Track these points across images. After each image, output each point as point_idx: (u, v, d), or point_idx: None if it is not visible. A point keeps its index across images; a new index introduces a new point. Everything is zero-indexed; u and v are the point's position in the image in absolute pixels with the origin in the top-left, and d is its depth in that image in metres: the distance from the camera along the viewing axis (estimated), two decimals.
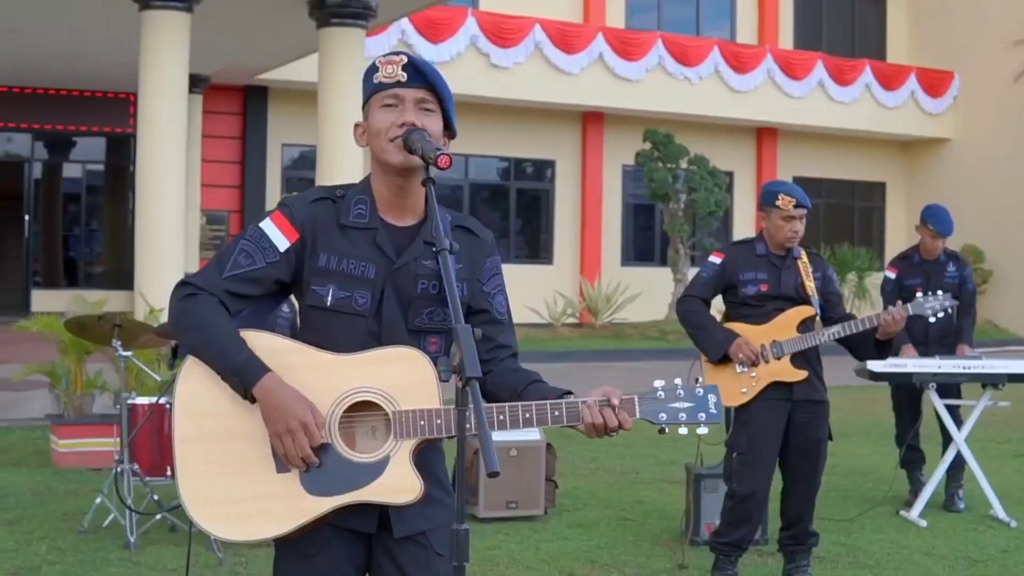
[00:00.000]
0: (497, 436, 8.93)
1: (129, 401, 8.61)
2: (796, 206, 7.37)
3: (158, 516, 8.51)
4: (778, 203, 7.39)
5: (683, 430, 3.66)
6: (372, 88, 3.68)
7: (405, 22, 24.96)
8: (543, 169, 29.58)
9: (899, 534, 9.17)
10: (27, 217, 25.67)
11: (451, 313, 3.35)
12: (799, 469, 7.57)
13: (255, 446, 3.56)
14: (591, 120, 29.13)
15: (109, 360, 12.06)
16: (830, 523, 9.30)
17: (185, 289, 3.62)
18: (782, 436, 7.51)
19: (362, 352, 3.58)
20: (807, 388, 7.47)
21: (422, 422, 3.51)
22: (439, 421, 3.51)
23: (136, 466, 8.52)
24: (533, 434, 9.42)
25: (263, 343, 3.59)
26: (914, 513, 9.68)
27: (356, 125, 3.75)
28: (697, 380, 3.76)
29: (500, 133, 28.15)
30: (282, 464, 3.53)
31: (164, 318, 12.55)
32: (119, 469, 8.52)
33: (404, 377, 3.53)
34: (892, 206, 33.63)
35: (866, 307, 28.87)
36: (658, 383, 3.65)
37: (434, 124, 3.65)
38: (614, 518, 9.56)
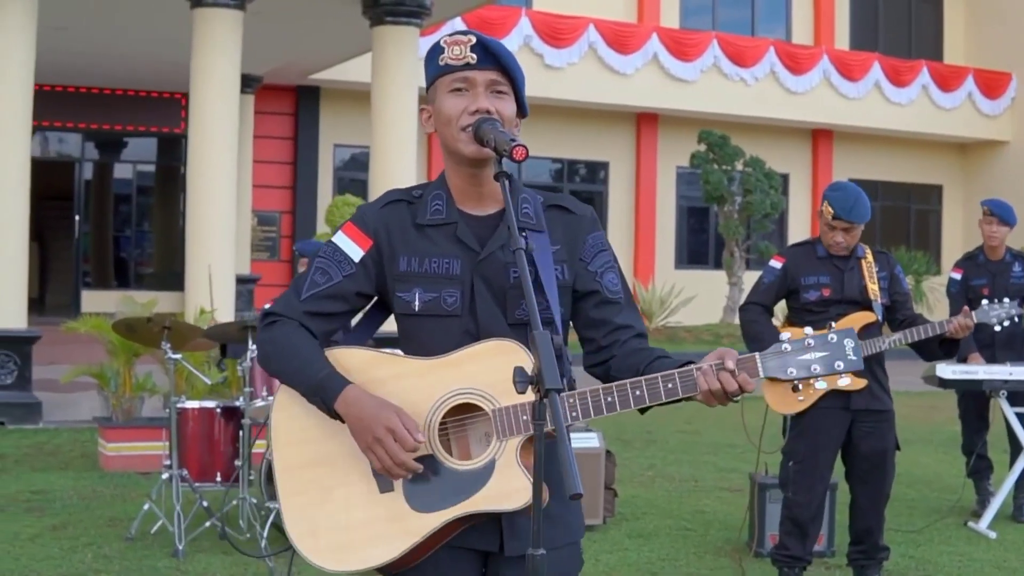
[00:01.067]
0: None
1: (178, 405, 8.41)
2: (835, 218, 7.09)
3: (208, 524, 8.30)
4: (822, 208, 7.17)
5: (821, 384, 3.27)
6: (438, 70, 3.40)
7: (458, 22, 24.75)
8: (596, 171, 29.37)
9: (968, 546, 8.88)
10: (77, 217, 25.69)
11: (530, 313, 3.02)
12: (866, 481, 7.33)
13: (355, 468, 3.33)
14: (645, 121, 28.88)
15: (159, 362, 11.92)
16: (897, 535, 9.02)
17: (266, 319, 3.44)
18: (840, 446, 7.28)
19: (455, 352, 3.31)
20: (867, 397, 7.22)
21: (525, 417, 3.22)
22: (525, 417, 3.22)
23: (185, 472, 8.32)
24: (592, 441, 9.19)
25: (351, 359, 3.37)
26: (983, 524, 9.38)
27: (422, 110, 3.51)
28: (830, 326, 3.37)
29: (553, 134, 27.92)
30: (385, 483, 3.29)
31: (216, 319, 12.46)
32: (167, 475, 8.33)
33: (502, 372, 3.17)
34: (949, 209, 33.21)
35: (922, 311, 28.34)
36: (784, 335, 3.29)
37: (507, 108, 3.39)
38: (674, 528, 9.30)
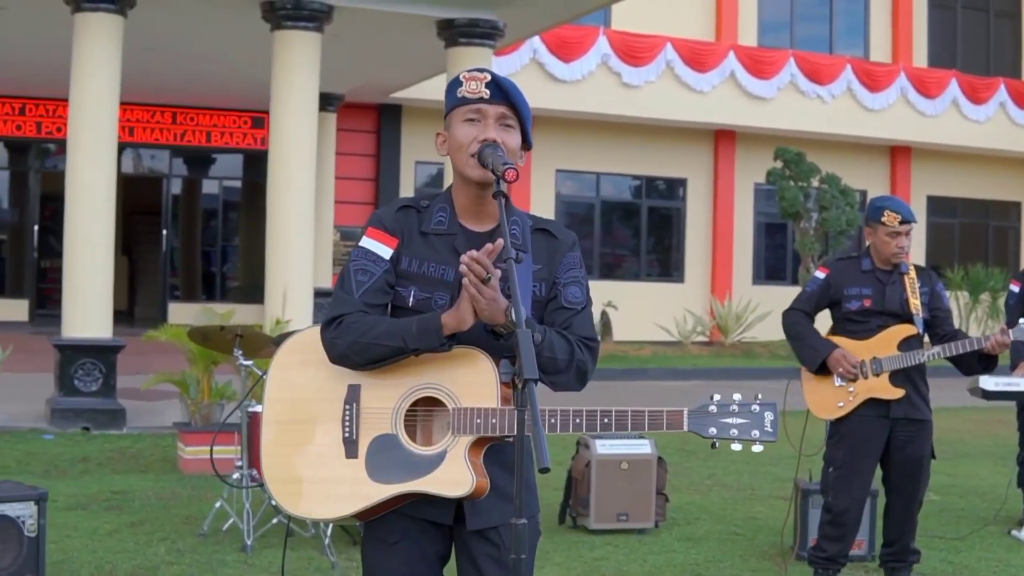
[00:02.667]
0: (609, 449, 9.10)
1: (249, 409, 8.85)
2: (902, 222, 7.40)
3: (274, 521, 8.75)
4: (884, 219, 7.42)
5: (736, 446, 3.77)
6: (455, 102, 3.88)
7: (537, 41, 25.15)
8: (675, 187, 29.59)
9: (1007, 553, 9.10)
10: (165, 232, 26.32)
11: (516, 315, 3.48)
12: (901, 487, 7.59)
13: (330, 432, 3.83)
14: (723, 138, 29.09)
15: (236, 372, 12.39)
16: (940, 541, 9.29)
17: (331, 324, 3.86)
18: (880, 453, 7.53)
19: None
20: (906, 406, 7.47)
21: (478, 420, 3.70)
22: (494, 420, 3.69)
23: (255, 472, 8.76)
24: (644, 448, 9.53)
25: None
26: None
27: (438, 134, 3.98)
28: (757, 397, 3.80)
29: (631, 151, 28.24)
30: (351, 450, 3.79)
31: (288, 328, 12.91)
32: (238, 475, 8.78)
33: (467, 376, 3.73)
34: None
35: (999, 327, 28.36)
36: (715, 396, 3.77)
37: (513, 139, 3.86)
38: (725, 532, 9.61)
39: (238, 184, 27.40)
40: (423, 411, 3.82)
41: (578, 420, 3.73)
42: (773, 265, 30.50)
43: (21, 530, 6.85)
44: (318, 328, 3.89)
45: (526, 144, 3.94)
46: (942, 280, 25.79)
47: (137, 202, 27.64)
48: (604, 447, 9.46)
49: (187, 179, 27.05)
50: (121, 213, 27.04)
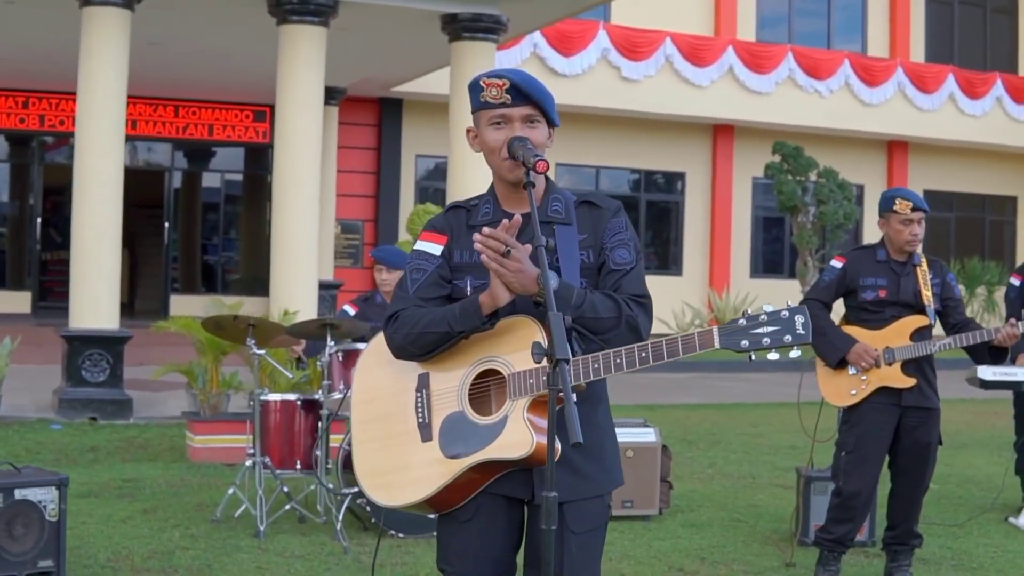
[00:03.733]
0: None
1: (262, 397, 9.00)
2: (913, 209, 7.54)
3: (287, 507, 8.90)
4: (896, 208, 7.56)
5: (773, 355, 3.74)
6: (479, 105, 4.05)
7: (537, 35, 25.25)
8: (673, 181, 29.72)
9: (1005, 539, 9.26)
10: (167, 225, 26.42)
11: (547, 298, 3.63)
12: (908, 471, 7.74)
13: (407, 420, 4.03)
14: (721, 132, 29.23)
15: (244, 362, 12.54)
16: (939, 528, 9.44)
17: (390, 321, 4.05)
18: (890, 439, 7.69)
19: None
20: (917, 395, 7.62)
21: (531, 380, 3.84)
22: (545, 378, 3.75)
23: (267, 459, 8.91)
24: (649, 436, 9.67)
25: None
26: (1022, 519, 9.76)
27: (468, 130, 4.15)
28: (788, 302, 3.79)
29: (630, 145, 28.38)
30: (425, 433, 3.96)
31: (297, 319, 13.04)
32: (251, 462, 8.93)
33: (518, 343, 3.87)
34: None
35: (996, 321, 28.54)
36: (747, 311, 3.81)
37: (540, 135, 4.04)
38: (727, 519, 9.76)
39: (239, 178, 27.49)
40: (494, 383, 3.97)
41: (618, 360, 3.82)
42: (771, 259, 30.64)
43: (43, 514, 6.98)
44: None
45: (552, 124, 4.11)
46: None
47: (139, 195, 27.59)
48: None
49: (189, 172, 27.12)
50: (123, 206, 27.25)
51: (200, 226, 27.47)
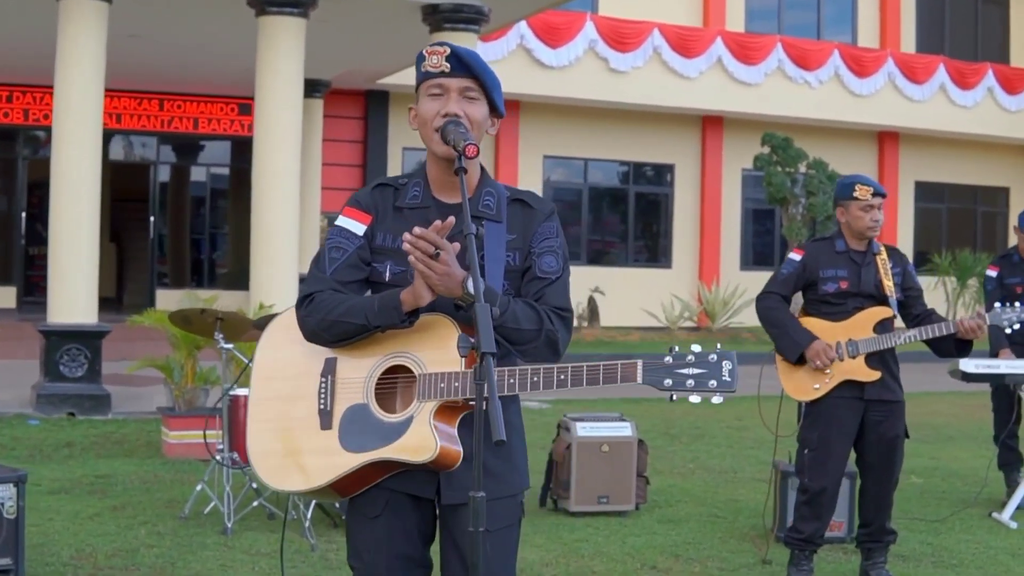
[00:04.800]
0: (590, 432, 9.14)
1: (231, 392, 8.89)
2: (874, 195, 7.42)
3: (255, 504, 8.79)
4: (856, 194, 7.43)
5: (694, 398, 3.59)
6: (421, 76, 3.91)
7: (524, 27, 25.17)
8: (662, 173, 29.62)
9: (988, 535, 9.15)
10: (152, 219, 26.33)
11: (475, 288, 3.52)
12: (876, 467, 7.60)
13: (308, 405, 3.88)
14: (710, 124, 29.13)
15: (217, 356, 12.42)
16: (920, 523, 9.34)
17: (304, 302, 3.90)
18: (854, 434, 7.55)
19: None
20: (880, 388, 7.48)
21: (442, 384, 3.70)
22: (457, 384, 3.68)
23: (236, 455, 8.80)
24: (625, 430, 9.57)
25: None
26: (1005, 515, 9.64)
27: (410, 108, 4.00)
28: (717, 346, 3.66)
29: (619, 137, 28.27)
30: (325, 421, 3.83)
31: (272, 312, 12.92)
32: (219, 458, 8.82)
33: (434, 342, 3.75)
34: (1015, 211, 32.58)
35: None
36: (673, 348, 3.67)
37: (477, 111, 3.88)
38: (705, 515, 9.65)
39: (226, 171, 27.37)
40: (402, 379, 3.84)
41: (535, 378, 3.68)
42: (761, 251, 30.55)
43: (1, 512, 6.86)
44: None
45: (496, 112, 3.97)
46: (929, 265, 25.82)
47: (125, 189, 27.61)
48: (585, 429, 9.49)
49: (175, 166, 27.03)
50: (109, 200, 27.14)
51: (188, 220, 27.36)
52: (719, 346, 3.68)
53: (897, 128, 30.22)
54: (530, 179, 27.25)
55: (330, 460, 3.80)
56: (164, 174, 26.96)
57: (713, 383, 3.58)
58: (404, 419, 3.75)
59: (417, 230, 3.60)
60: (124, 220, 28.46)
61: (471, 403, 3.68)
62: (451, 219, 3.63)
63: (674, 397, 3.63)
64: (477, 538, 3.33)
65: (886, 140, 30.93)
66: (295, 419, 3.88)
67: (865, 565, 7.76)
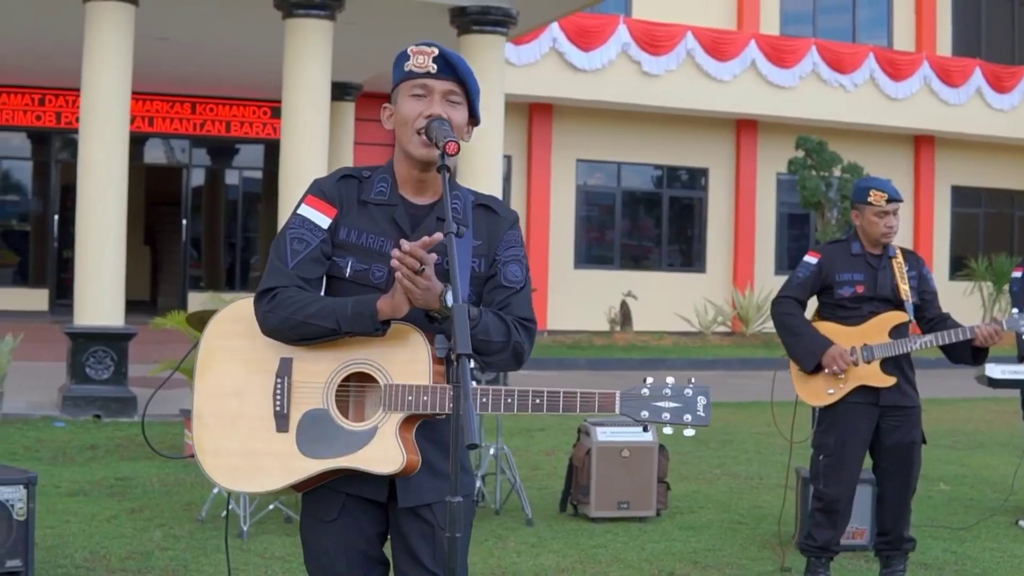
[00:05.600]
0: (610, 437, 9.05)
1: None
2: (889, 200, 7.32)
3: (271, 507, 8.75)
4: (870, 199, 7.33)
5: (668, 430, 3.69)
6: (402, 75, 3.84)
7: (556, 30, 25.12)
8: (696, 177, 29.50)
9: (1013, 543, 9.00)
10: (184, 222, 26.39)
11: (454, 289, 3.44)
12: (893, 474, 7.49)
13: (261, 404, 3.78)
14: (745, 128, 29.00)
15: None
16: (945, 531, 9.22)
17: (264, 297, 3.80)
18: (869, 440, 7.45)
19: None
20: (896, 394, 7.38)
21: (410, 397, 3.66)
22: (425, 398, 3.65)
23: None
24: (645, 436, 9.48)
25: None
26: None
27: (384, 107, 3.93)
28: (691, 380, 3.72)
29: (653, 141, 28.18)
30: (281, 424, 3.74)
31: None
32: None
33: (401, 352, 3.69)
34: None
35: None
36: (648, 379, 3.69)
37: (459, 115, 3.83)
38: (727, 521, 9.56)
39: (259, 175, 27.41)
40: (356, 386, 3.78)
41: (510, 400, 3.68)
42: (795, 255, 30.25)
43: (10, 514, 6.84)
44: (251, 300, 3.83)
45: (474, 119, 3.92)
46: (966, 270, 25.66)
47: (159, 192, 27.74)
48: (605, 434, 9.41)
49: (208, 169, 27.11)
50: (143, 203, 27.27)
51: (222, 223, 27.44)
52: (692, 380, 3.73)
53: (933, 132, 30.02)
54: (563, 183, 27.22)
55: (287, 464, 3.74)
56: (197, 177, 27.06)
57: (688, 417, 3.67)
58: (368, 429, 3.70)
59: (406, 246, 3.54)
60: (158, 223, 28.57)
61: (438, 415, 3.70)
62: (438, 235, 3.56)
63: (648, 428, 3.73)
64: (454, 544, 3.28)
65: (922, 144, 30.71)
66: (247, 417, 3.79)
67: (883, 573, 7.65)
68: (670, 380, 3.67)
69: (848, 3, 30.64)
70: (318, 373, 3.76)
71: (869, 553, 8.41)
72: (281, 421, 3.75)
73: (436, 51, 3.79)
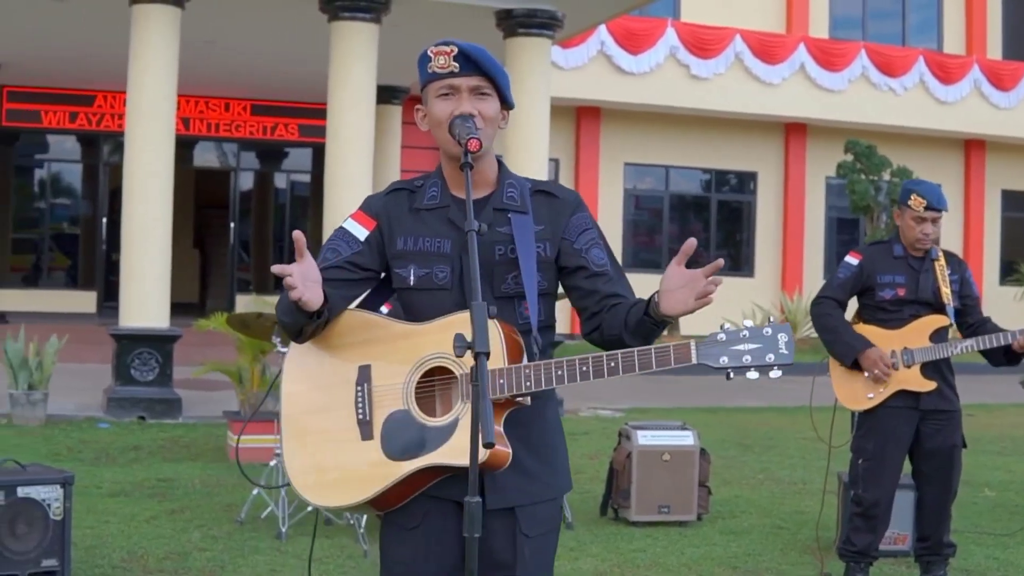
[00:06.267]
0: (651, 440, 8.99)
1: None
2: (927, 208, 7.22)
3: (310, 508, 8.73)
4: (910, 202, 7.25)
5: (752, 374, 3.49)
6: (427, 77, 3.81)
7: (604, 33, 25.07)
8: (745, 181, 29.37)
9: None
10: (232, 225, 26.48)
11: (472, 287, 3.43)
12: (933, 479, 7.43)
13: (345, 416, 3.75)
14: (793, 131, 28.82)
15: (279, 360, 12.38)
16: (989, 537, 9.12)
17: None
18: (909, 444, 7.38)
19: (436, 320, 3.72)
20: (936, 398, 7.30)
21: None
22: (501, 381, 3.58)
23: None
24: (687, 439, 9.43)
25: (354, 319, 3.84)
26: None
27: (417, 109, 3.92)
28: (770, 318, 3.57)
29: (701, 144, 28.07)
30: (366, 431, 3.71)
31: None
32: (275, 462, 8.78)
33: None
34: None
35: None
36: (725, 325, 3.58)
37: (489, 107, 3.80)
38: (769, 526, 9.49)
39: (307, 178, 27.47)
40: (440, 381, 3.72)
41: (584, 368, 3.56)
42: None
43: (47, 513, 6.87)
44: None
45: (507, 105, 3.87)
46: (1016, 275, 25.37)
47: (208, 195, 27.85)
48: (646, 438, 9.36)
49: (257, 172, 27.20)
50: (193, 207, 27.39)
51: (271, 226, 27.51)
52: (771, 319, 3.58)
53: (983, 136, 29.75)
54: (611, 186, 27.17)
55: (375, 471, 3.68)
56: (246, 180, 27.15)
57: (771, 357, 3.47)
58: (450, 422, 3.63)
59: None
60: (207, 226, 28.69)
61: (518, 400, 3.61)
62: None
63: (731, 375, 3.52)
64: (472, 544, 3.22)
65: (972, 148, 30.43)
66: (332, 431, 3.76)
67: None
68: (747, 322, 3.52)
69: (898, 7, 30.41)
70: (396, 374, 3.72)
71: (909, 559, 8.32)
72: (365, 429, 3.72)
73: (455, 49, 3.75)
